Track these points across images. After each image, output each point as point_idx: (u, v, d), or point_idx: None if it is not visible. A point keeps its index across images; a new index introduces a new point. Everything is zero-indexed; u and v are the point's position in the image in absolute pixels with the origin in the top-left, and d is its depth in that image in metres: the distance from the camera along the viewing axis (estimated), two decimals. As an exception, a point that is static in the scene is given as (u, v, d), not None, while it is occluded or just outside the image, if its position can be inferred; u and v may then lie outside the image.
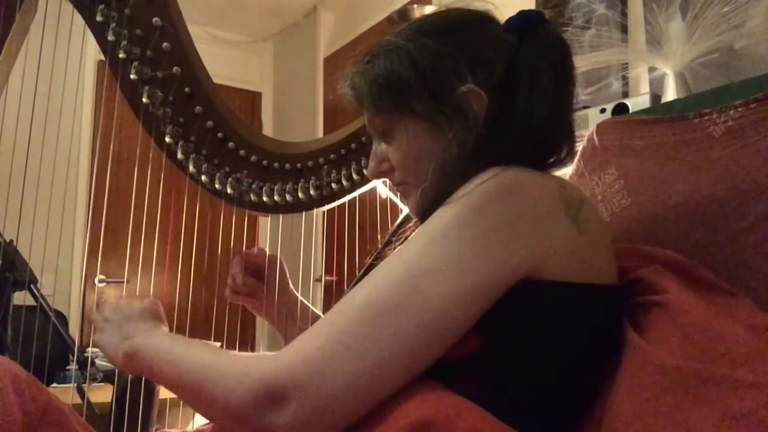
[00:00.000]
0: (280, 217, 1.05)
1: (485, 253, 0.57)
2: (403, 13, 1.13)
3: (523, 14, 0.71)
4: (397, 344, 0.54)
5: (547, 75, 0.67)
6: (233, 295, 1.05)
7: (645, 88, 1.77)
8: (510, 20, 0.72)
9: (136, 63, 0.97)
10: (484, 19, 0.73)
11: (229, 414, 0.58)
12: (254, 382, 0.55)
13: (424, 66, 0.68)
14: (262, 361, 0.57)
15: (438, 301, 0.55)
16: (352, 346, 0.54)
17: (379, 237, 1.09)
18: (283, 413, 0.54)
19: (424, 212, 0.67)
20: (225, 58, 3.76)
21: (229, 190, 1.01)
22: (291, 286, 1.08)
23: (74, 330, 3.17)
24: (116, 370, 1.10)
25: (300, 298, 1.09)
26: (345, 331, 0.55)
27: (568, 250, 0.60)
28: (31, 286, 1.16)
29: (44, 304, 1.20)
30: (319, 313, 1.11)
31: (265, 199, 1.02)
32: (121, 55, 0.96)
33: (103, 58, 0.99)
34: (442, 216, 0.59)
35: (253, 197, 1.02)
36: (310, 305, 1.10)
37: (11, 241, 1.14)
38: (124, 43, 0.96)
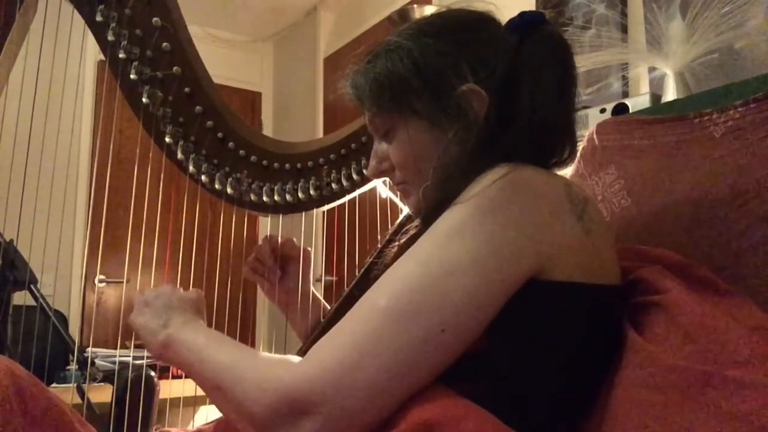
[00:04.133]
0: (280, 217, 1.05)
1: (501, 252, 0.56)
2: (403, 13, 1.12)
3: (523, 15, 0.71)
4: (421, 350, 0.54)
5: (547, 75, 0.67)
6: (250, 273, 1.07)
7: (645, 88, 1.77)
8: (510, 21, 0.72)
9: (136, 63, 0.97)
10: (484, 19, 0.73)
11: (248, 420, 0.58)
12: (274, 393, 0.55)
13: (425, 65, 0.68)
14: (282, 371, 0.57)
15: (460, 303, 0.55)
16: (375, 355, 0.53)
17: (379, 237, 1.09)
18: (302, 426, 0.53)
19: (426, 211, 0.67)
20: (225, 58, 3.75)
21: (229, 190, 1.01)
22: (310, 281, 1.09)
23: (74, 330, 3.17)
24: (116, 370, 1.10)
25: (320, 298, 1.10)
26: (367, 339, 0.54)
27: (575, 249, 0.60)
28: (31, 286, 1.16)
29: (44, 304, 1.20)
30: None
31: (265, 199, 1.02)
32: (121, 55, 0.96)
33: (103, 58, 0.98)
34: (454, 216, 0.59)
35: (253, 197, 1.02)
36: (325, 303, 1.11)
37: (11, 241, 1.14)
38: (124, 43, 0.96)
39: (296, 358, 0.59)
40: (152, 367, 1.18)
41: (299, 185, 1.03)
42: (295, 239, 1.08)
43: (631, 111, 1.39)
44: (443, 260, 0.56)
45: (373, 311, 0.56)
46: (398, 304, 0.55)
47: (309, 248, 1.09)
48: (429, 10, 0.95)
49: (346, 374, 0.53)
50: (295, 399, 0.54)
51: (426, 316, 0.54)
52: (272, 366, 0.59)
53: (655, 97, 1.46)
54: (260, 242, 1.08)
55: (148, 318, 0.77)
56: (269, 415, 0.55)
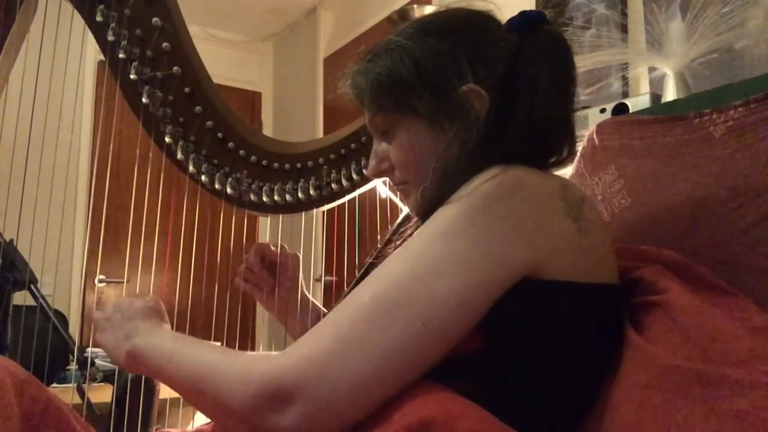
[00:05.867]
0: (280, 217, 1.05)
1: (487, 252, 0.57)
2: (403, 13, 1.13)
3: (524, 14, 0.71)
4: (403, 344, 0.54)
5: (548, 75, 0.67)
6: (243, 283, 1.07)
7: (645, 88, 1.77)
8: (511, 20, 0.72)
9: (135, 63, 0.97)
10: (485, 18, 0.73)
11: (231, 414, 0.58)
12: (257, 384, 0.55)
13: (426, 65, 0.68)
14: (265, 362, 0.57)
15: (443, 300, 0.55)
16: (356, 347, 0.54)
17: (379, 237, 1.09)
18: (285, 415, 0.54)
19: (424, 211, 0.67)
20: (225, 58, 3.75)
21: (229, 190, 1.01)
22: (303, 284, 1.09)
23: (74, 330, 3.17)
24: (116, 370, 1.11)
25: (312, 300, 1.10)
26: (349, 331, 0.55)
27: (569, 249, 0.60)
28: (31, 286, 1.16)
29: (44, 304, 1.20)
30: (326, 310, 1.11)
31: (265, 199, 1.02)
32: (121, 55, 0.96)
33: (103, 58, 0.99)
34: (444, 215, 0.59)
35: (253, 197, 1.02)
36: (321, 307, 1.11)
37: (11, 241, 1.14)
38: (124, 43, 0.96)
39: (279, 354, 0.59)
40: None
41: (299, 185, 1.03)
42: (285, 245, 1.08)
43: (631, 111, 1.39)
44: (429, 258, 0.57)
45: (357, 305, 0.57)
46: (381, 298, 0.56)
47: (297, 253, 1.08)
48: (429, 10, 0.95)
49: (327, 364, 0.54)
50: (278, 388, 0.54)
51: (407, 310, 0.55)
52: (254, 359, 0.59)
53: (655, 97, 1.46)
54: (257, 245, 1.08)
55: (110, 333, 0.77)
56: (253, 405, 0.55)
